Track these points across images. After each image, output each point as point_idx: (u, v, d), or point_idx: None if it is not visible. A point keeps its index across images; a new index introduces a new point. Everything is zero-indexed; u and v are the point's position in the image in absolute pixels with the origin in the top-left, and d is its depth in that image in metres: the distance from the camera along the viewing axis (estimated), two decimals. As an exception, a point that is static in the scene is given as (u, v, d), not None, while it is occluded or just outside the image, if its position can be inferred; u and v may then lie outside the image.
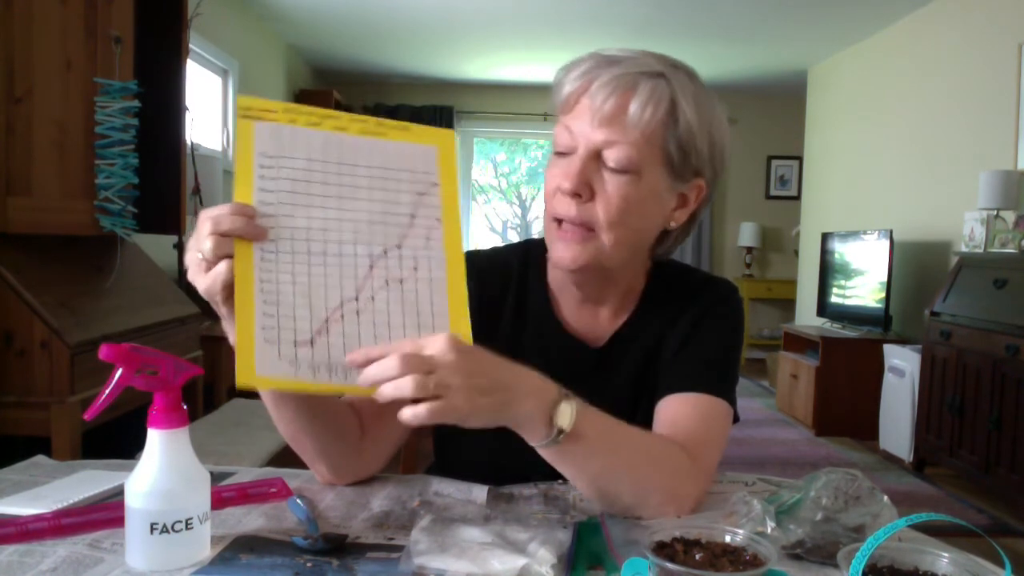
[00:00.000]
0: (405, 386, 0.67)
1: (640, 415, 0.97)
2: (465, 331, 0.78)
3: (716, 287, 1.04)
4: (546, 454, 0.78)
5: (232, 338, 0.74)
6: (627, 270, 0.99)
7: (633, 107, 0.86)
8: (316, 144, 0.77)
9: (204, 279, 0.72)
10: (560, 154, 0.91)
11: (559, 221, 0.91)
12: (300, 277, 0.75)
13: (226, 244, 0.71)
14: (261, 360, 0.72)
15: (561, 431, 0.75)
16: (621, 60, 0.89)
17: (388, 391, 0.68)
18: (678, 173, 0.92)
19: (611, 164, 0.88)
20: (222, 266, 0.71)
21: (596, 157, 0.88)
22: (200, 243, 0.72)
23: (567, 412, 0.76)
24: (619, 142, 0.87)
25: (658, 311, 1.01)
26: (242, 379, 0.72)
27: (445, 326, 0.77)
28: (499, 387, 0.73)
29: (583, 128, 0.88)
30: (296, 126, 0.77)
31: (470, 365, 0.70)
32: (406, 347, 0.70)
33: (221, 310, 0.74)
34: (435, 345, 0.70)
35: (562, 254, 0.91)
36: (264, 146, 0.75)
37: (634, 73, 0.87)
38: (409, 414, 0.68)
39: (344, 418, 0.90)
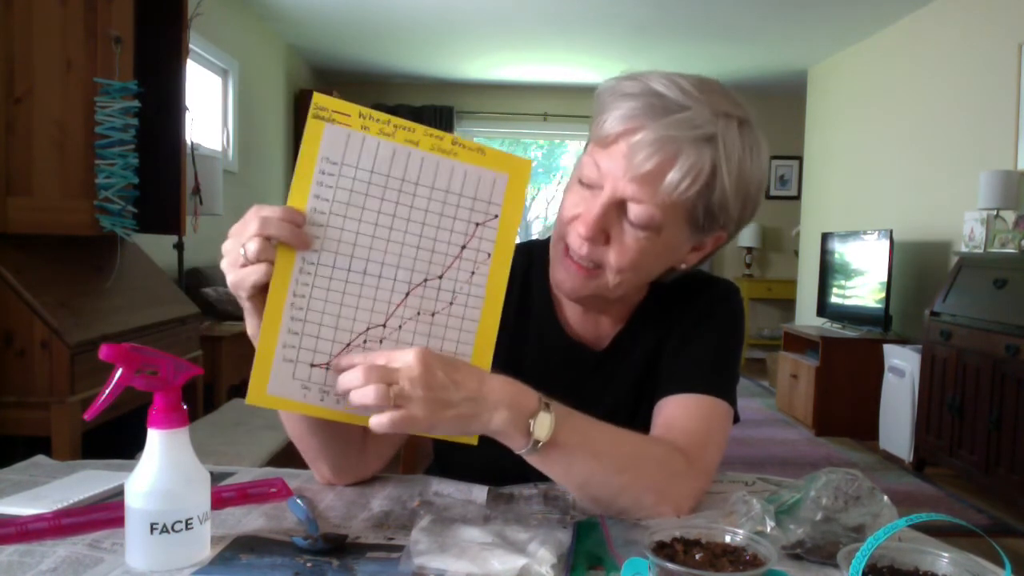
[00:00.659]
0: (368, 394, 0.70)
1: (641, 417, 0.97)
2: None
3: (716, 287, 1.04)
4: (530, 460, 0.79)
5: (252, 331, 0.75)
6: (629, 293, 0.99)
7: (671, 176, 0.82)
8: (383, 156, 0.74)
9: (236, 273, 0.73)
10: (584, 184, 0.88)
11: (569, 251, 0.90)
12: (333, 295, 0.73)
13: (269, 249, 0.71)
14: (276, 379, 0.72)
15: (538, 441, 0.76)
16: (674, 108, 0.83)
17: (354, 398, 0.71)
18: (700, 230, 0.90)
19: (632, 219, 0.85)
20: (259, 268, 0.71)
21: (619, 205, 0.85)
22: (244, 239, 0.71)
23: (545, 422, 0.76)
24: (647, 203, 0.84)
25: (660, 314, 1.01)
26: (253, 397, 0.72)
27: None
28: (466, 400, 0.73)
29: (615, 174, 0.84)
30: (368, 134, 0.74)
31: (434, 378, 0.71)
32: (377, 359, 0.72)
33: (244, 304, 0.75)
34: (403, 358, 0.71)
35: (563, 280, 0.91)
36: (329, 150, 0.73)
37: (682, 138, 0.82)
38: (374, 422, 0.71)
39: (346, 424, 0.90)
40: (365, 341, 0.74)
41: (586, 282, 0.89)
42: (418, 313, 0.75)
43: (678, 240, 0.90)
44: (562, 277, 0.91)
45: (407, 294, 0.74)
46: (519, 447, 0.77)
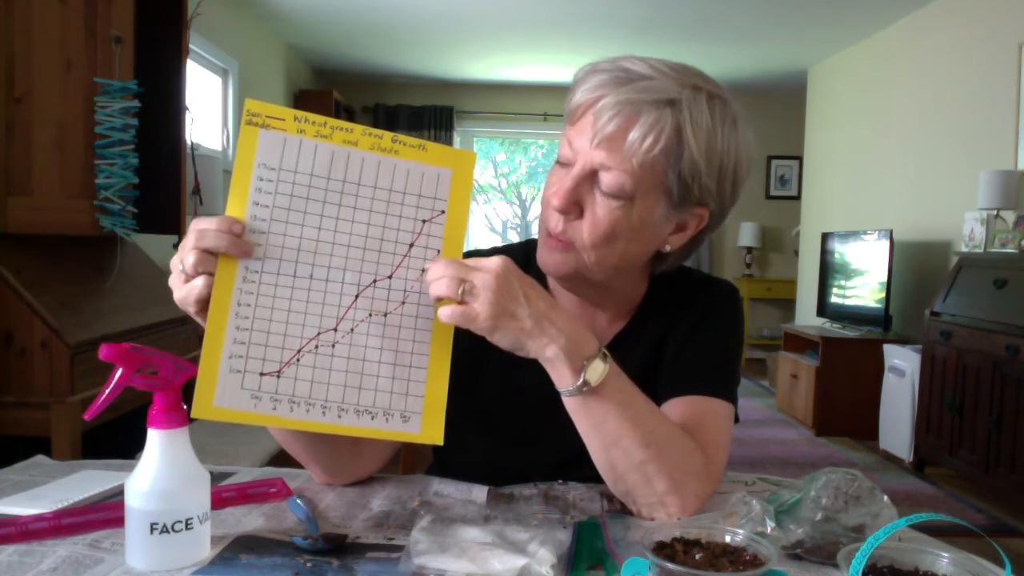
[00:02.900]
0: (441, 285, 0.73)
1: None
2: (442, 377, 0.75)
3: (716, 287, 1.04)
4: (568, 403, 0.81)
5: None
6: (622, 282, 0.98)
7: (632, 136, 0.83)
8: (322, 159, 0.73)
9: (179, 290, 0.73)
10: (561, 164, 0.90)
11: (549, 231, 0.91)
12: (280, 302, 0.72)
13: (208, 260, 0.71)
14: (222, 391, 0.71)
15: (586, 383, 0.78)
16: (638, 78, 0.85)
17: (432, 289, 0.74)
18: (677, 203, 0.89)
19: (603, 188, 0.86)
20: (199, 281, 0.72)
21: (591, 177, 0.86)
22: (183, 254, 0.72)
23: (598, 368, 0.78)
24: (614, 168, 0.84)
25: (658, 314, 1.01)
26: (199, 410, 0.70)
27: (423, 367, 0.75)
28: (531, 317, 0.76)
29: (583, 145, 0.86)
30: (304, 137, 0.73)
31: (508, 285, 0.74)
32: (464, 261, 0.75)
33: (196, 319, 0.75)
34: (488, 263, 0.74)
35: (546, 260, 0.92)
36: (266, 156, 0.72)
37: (642, 100, 0.84)
38: (443, 312, 0.73)
39: None
40: (317, 346, 0.73)
41: (565, 257, 0.89)
42: (370, 314, 0.74)
43: (654, 215, 0.88)
44: (544, 257, 0.92)
45: (357, 296, 0.74)
46: (565, 383, 0.79)
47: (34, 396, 2.03)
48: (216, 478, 0.93)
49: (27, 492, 0.85)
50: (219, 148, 4.59)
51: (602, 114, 0.84)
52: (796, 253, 6.74)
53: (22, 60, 2.15)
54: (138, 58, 2.31)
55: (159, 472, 0.68)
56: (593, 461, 0.84)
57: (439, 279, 0.73)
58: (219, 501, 0.83)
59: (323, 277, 0.73)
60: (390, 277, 0.75)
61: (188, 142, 2.87)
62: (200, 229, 0.71)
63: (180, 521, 0.67)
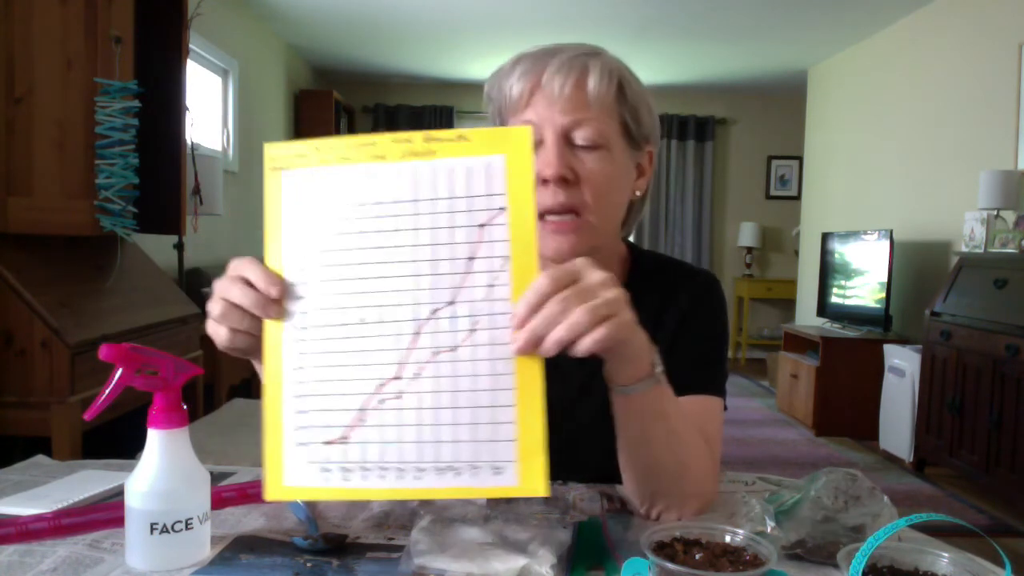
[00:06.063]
0: (579, 320, 0.62)
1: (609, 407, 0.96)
2: (536, 413, 0.62)
3: (698, 278, 1.03)
4: (628, 400, 0.75)
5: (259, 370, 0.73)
6: (607, 255, 0.98)
7: (591, 84, 0.87)
8: (351, 184, 0.64)
9: (209, 326, 0.71)
10: None
11: (549, 212, 0.89)
12: (334, 358, 0.63)
13: (233, 314, 0.68)
14: (290, 467, 0.64)
15: (661, 370, 0.74)
16: (556, 50, 0.90)
17: (563, 335, 0.61)
18: (634, 142, 0.94)
19: (582, 142, 0.88)
20: (223, 332, 0.69)
21: (566, 140, 0.88)
22: (214, 301, 0.69)
23: (659, 360, 0.75)
24: (585, 119, 0.87)
25: (641, 305, 1.00)
26: (271, 492, 0.65)
27: (509, 404, 0.62)
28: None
29: (547, 115, 0.87)
30: (327, 166, 0.65)
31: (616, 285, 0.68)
32: (561, 279, 0.63)
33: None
34: (593, 274, 0.65)
35: (558, 245, 0.89)
36: (293, 199, 0.65)
37: (580, 55, 0.89)
38: (589, 341, 0.62)
39: None
40: (381, 400, 0.63)
41: (579, 237, 0.89)
42: (435, 352, 0.63)
43: (624, 159, 0.93)
44: (553, 244, 0.89)
45: (417, 334, 0.63)
46: (642, 373, 0.73)
47: (34, 396, 2.03)
48: (216, 478, 0.93)
49: (27, 492, 0.85)
50: (219, 148, 4.59)
51: (553, 81, 0.87)
52: (796, 253, 6.74)
53: (22, 60, 2.14)
54: (138, 58, 2.31)
55: (159, 472, 0.68)
56: (628, 461, 0.81)
57: (568, 318, 0.61)
58: (219, 501, 0.83)
59: (376, 319, 0.63)
60: (452, 303, 0.63)
61: (188, 142, 2.87)
62: (236, 278, 0.67)
63: (180, 521, 0.67)
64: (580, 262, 0.65)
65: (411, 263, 0.63)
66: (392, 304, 0.63)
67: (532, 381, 0.62)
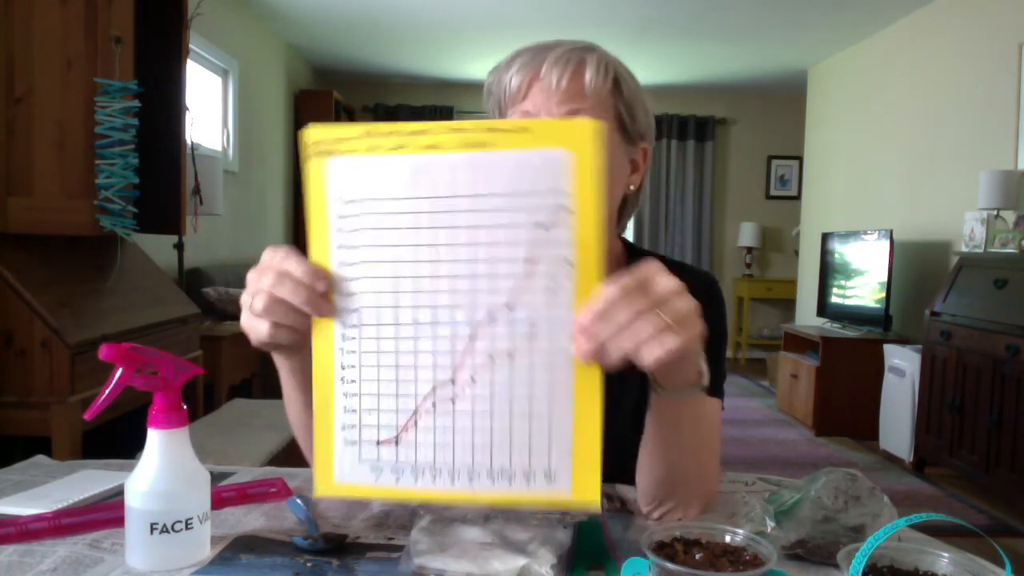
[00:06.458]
0: (649, 332, 0.58)
1: (624, 407, 0.96)
2: (593, 424, 0.60)
3: (698, 279, 1.03)
4: (671, 404, 0.73)
5: (287, 380, 0.73)
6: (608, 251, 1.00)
7: (588, 76, 0.89)
8: (403, 175, 0.60)
9: (245, 320, 0.67)
10: None
11: None
12: (386, 358, 0.62)
13: (278, 309, 0.64)
14: (341, 465, 0.63)
15: (707, 375, 0.72)
16: (554, 45, 0.92)
17: (629, 346, 0.58)
18: (629, 137, 0.95)
19: None
20: (264, 326, 0.65)
21: None
22: (253, 290, 0.65)
23: (705, 366, 0.73)
24: (581, 109, 0.89)
25: None
26: (321, 488, 0.64)
27: (566, 412, 0.60)
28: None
29: (544, 106, 0.89)
30: (378, 154, 0.61)
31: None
32: (632, 287, 0.58)
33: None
34: (665, 280, 0.60)
35: None
36: (342, 189, 0.61)
37: (577, 49, 0.91)
38: (659, 352, 0.58)
39: None
40: (434, 404, 0.61)
41: None
42: (491, 357, 0.60)
43: (618, 153, 0.94)
44: None
45: (472, 338, 0.60)
46: (693, 379, 0.70)
47: (34, 396, 2.03)
48: (216, 478, 0.93)
49: (27, 492, 0.85)
50: (219, 148, 4.60)
51: (551, 74, 0.88)
52: (796, 253, 6.74)
53: (22, 60, 2.14)
54: (138, 58, 2.31)
55: (159, 472, 0.68)
56: (652, 462, 0.80)
57: (629, 328, 0.58)
58: (219, 501, 0.83)
59: (429, 320, 0.61)
60: (510, 307, 0.60)
61: (188, 142, 2.87)
62: (281, 271, 0.63)
63: (180, 521, 0.67)
64: (652, 267, 0.60)
65: (468, 262, 0.60)
66: (447, 305, 0.60)
67: (591, 390, 0.60)
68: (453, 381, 0.61)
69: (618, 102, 0.93)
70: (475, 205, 0.60)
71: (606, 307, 0.58)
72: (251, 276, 0.66)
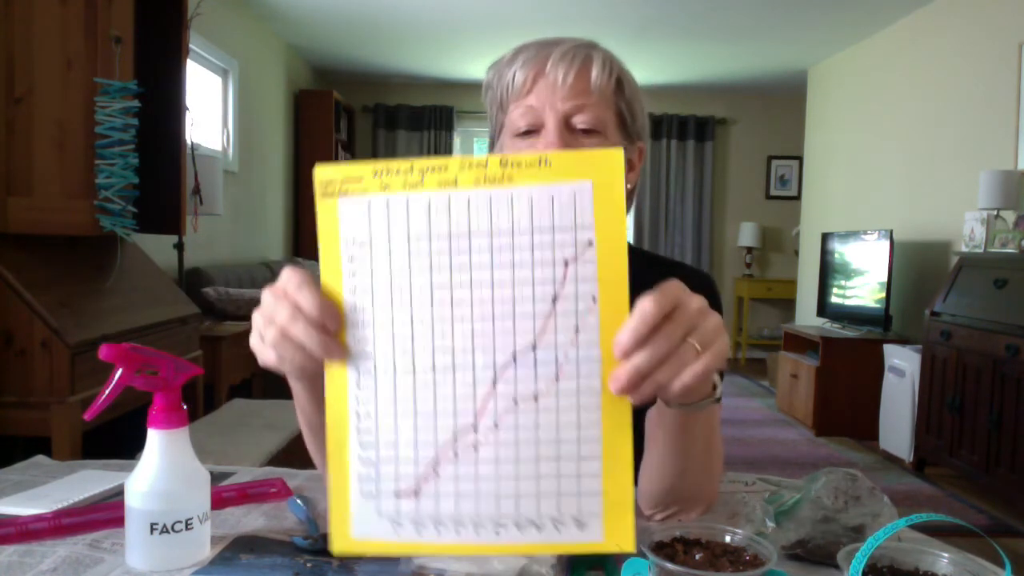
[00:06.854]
0: (683, 361, 0.56)
1: None
2: (623, 464, 0.57)
3: (695, 278, 1.03)
4: (688, 415, 0.71)
5: (299, 400, 0.72)
6: None
7: (594, 73, 0.90)
8: (417, 214, 0.58)
9: (254, 343, 0.65)
10: (524, 135, 0.92)
11: None
12: (403, 405, 0.59)
13: (286, 345, 0.61)
14: (358, 520, 0.60)
15: (721, 388, 0.71)
16: (557, 41, 0.93)
17: (664, 378, 0.56)
18: (628, 135, 0.96)
19: (582, 126, 0.90)
20: (270, 355, 0.63)
21: (566, 125, 0.90)
22: (265, 318, 0.62)
23: (719, 377, 0.72)
24: (586, 104, 0.89)
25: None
26: (338, 545, 0.60)
27: (595, 456, 0.58)
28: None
29: (548, 101, 0.90)
30: (390, 193, 0.59)
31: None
32: (665, 304, 0.56)
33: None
34: (691, 299, 0.59)
35: None
36: (352, 230, 0.59)
37: (581, 46, 0.92)
38: (689, 377, 0.57)
39: None
40: (456, 453, 0.58)
41: None
42: (515, 401, 0.58)
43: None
44: None
45: (494, 381, 0.58)
46: (707, 392, 0.68)
47: (34, 396, 2.03)
48: (216, 478, 0.93)
49: (27, 492, 0.85)
50: (219, 148, 4.60)
51: (556, 70, 0.89)
52: (796, 253, 6.74)
53: (22, 60, 2.15)
54: (138, 58, 2.31)
55: (159, 472, 0.68)
56: (660, 469, 0.79)
57: (671, 353, 0.56)
58: (219, 501, 0.83)
59: (448, 364, 0.58)
60: (534, 348, 0.57)
61: (188, 142, 2.87)
62: (295, 305, 0.60)
63: (180, 521, 0.67)
64: (676, 285, 0.59)
65: (488, 303, 0.58)
66: (466, 349, 0.58)
67: (620, 429, 0.58)
68: (475, 427, 0.58)
69: (620, 100, 0.93)
70: (494, 243, 0.58)
71: (646, 327, 0.56)
72: (266, 297, 0.64)
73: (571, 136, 0.90)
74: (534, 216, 0.57)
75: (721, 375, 0.96)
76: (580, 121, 0.90)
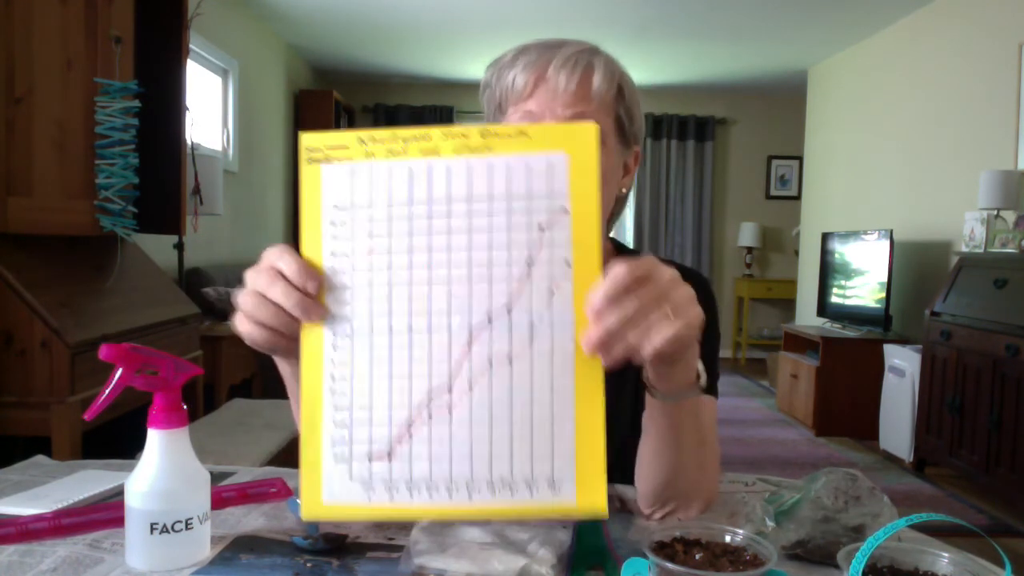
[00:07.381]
0: (652, 323, 0.58)
1: (622, 407, 0.96)
2: (596, 427, 0.59)
3: (689, 279, 1.04)
4: (673, 406, 0.73)
5: (290, 385, 0.72)
6: None
7: (596, 81, 0.89)
8: (399, 180, 0.60)
9: (241, 324, 0.65)
10: None
11: None
12: (379, 367, 0.60)
13: (265, 308, 0.62)
14: (330, 485, 0.60)
15: (704, 378, 0.73)
16: (559, 44, 0.92)
17: (634, 340, 0.58)
18: (625, 141, 0.96)
19: None
20: (253, 328, 0.64)
21: None
22: (246, 294, 0.63)
23: (703, 367, 0.73)
24: (587, 112, 0.89)
25: None
26: (308, 510, 0.61)
27: (568, 417, 0.59)
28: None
29: (548, 107, 0.89)
30: (374, 160, 0.60)
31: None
32: (638, 272, 0.58)
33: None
34: (662, 270, 0.60)
35: None
36: (335, 195, 0.61)
37: (584, 51, 0.91)
38: (659, 341, 0.58)
39: None
40: (430, 415, 0.59)
41: None
42: (489, 363, 0.59)
43: (615, 156, 0.94)
44: None
45: (470, 343, 0.59)
46: (690, 381, 0.71)
47: (34, 396, 2.03)
48: (216, 478, 0.93)
49: (27, 492, 0.85)
50: (219, 148, 4.60)
51: (558, 75, 0.88)
52: (796, 253, 6.74)
53: (22, 60, 2.14)
54: (138, 58, 2.31)
55: (159, 472, 0.68)
56: (653, 464, 0.80)
57: (640, 313, 0.58)
58: (219, 501, 0.83)
59: (425, 327, 0.59)
60: (509, 310, 0.59)
61: (188, 142, 2.87)
62: (274, 270, 0.62)
63: (180, 521, 0.67)
64: (650, 257, 0.62)
65: (465, 267, 0.60)
66: (442, 311, 0.59)
67: (593, 391, 0.59)
68: (450, 388, 0.59)
69: (619, 106, 0.93)
70: (472, 209, 0.60)
71: (616, 290, 0.58)
72: (248, 275, 0.65)
73: None
74: (511, 184, 0.59)
75: (714, 371, 0.97)
76: None
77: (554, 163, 0.59)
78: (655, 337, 0.58)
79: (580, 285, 0.59)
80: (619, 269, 0.58)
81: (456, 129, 0.60)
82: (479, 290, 0.59)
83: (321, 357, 0.60)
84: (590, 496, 0.59)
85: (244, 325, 0.65)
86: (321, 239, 0.61)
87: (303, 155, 0.62)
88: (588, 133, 0.59)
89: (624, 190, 1.00)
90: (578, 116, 0.89)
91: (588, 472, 0.59)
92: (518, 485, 0.59)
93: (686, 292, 0.61)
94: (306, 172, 0.61)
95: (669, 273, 0.61)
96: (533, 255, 0.59)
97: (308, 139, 0.61)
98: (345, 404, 0.60)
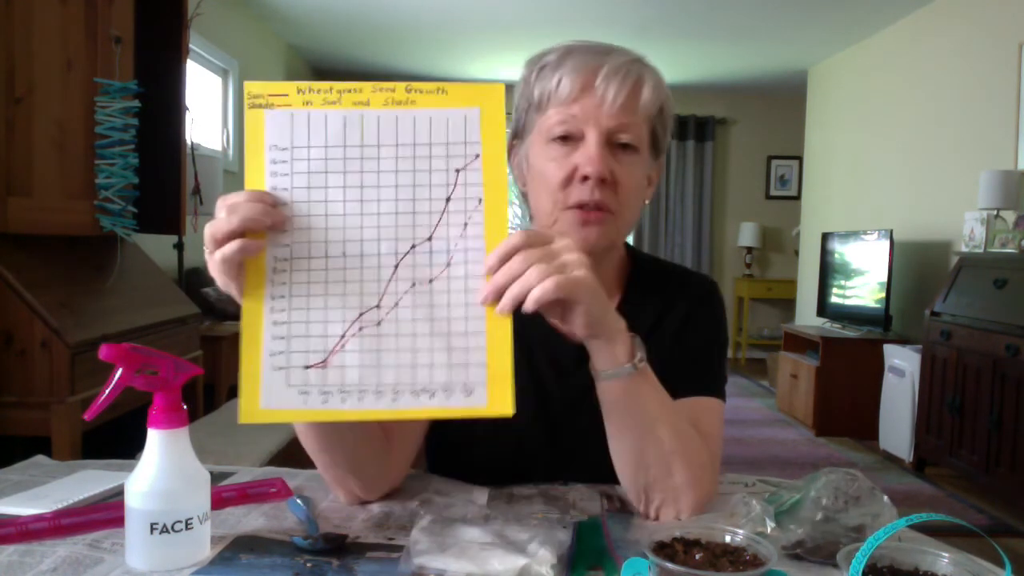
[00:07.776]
0: (532, 276, 0.67)
1: None
2: (504, 340, 0.68)
3: (698, 282, 1.04)
4: (611, 387, 0.78)
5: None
6: (615, 253, 1.01)
7: (645, 95, 0.90)
8: (334, 127, 0.69)
9: (212, 266, 0.68)
10: (561, 140, 0.90)
11: (581, 206, 0.89)
12: (316, 287, 0.68)
13: (235, 218, 0.67)
14: (268, 391, 0.67)
15: (641, 360, 0.77)
16: (607, 50, 0.91)
17: (517, 291, 0.67)
18: (655, 153, 0.97)
19: (625, 146, 0.90)
20: (233, 246, 0.66)
21: (608, 140, 0.90)
22: (213, 228, 0.67)
23: (643, 347, 0.78)
24: (631, 124, 0.89)
25: (641, 307, 1.00)
26: (246, 415, 0.67)
27: (480, 331, 0.69)
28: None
29: (594, 114, 0.88)
30: (312, 109, 0.69)
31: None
32: (533, 239, 0.69)
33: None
34: (559, 239, 0.71)
35: (587, 234, 0.90)
36: (275, 137, 0.69)
37: (632, 61, 0.91)
38: (538, 292, 0.67)
39: (372, 425, 0.86)
40: (361, 328, 0.68)
41: (605, 228, 0.91)
42: (413, 284, 0.68)
43: (646, 166, 0.95)
44: (582, 232, 0.90)
45: (396, 267, 0.68)
46: (621, 360, 0.77)
47: (34, 396, 2.03)
48: (216, 478, 0.93)
49: (27, 492, 0.85)
50: (219, 148, 4.60)
51: (608, 85, 0.88)
52: (796, 253, 6.74)
53: (22, 60, 2.14)
54: (138, 58, 2.31)
55: (159, 472, 0.68)
56: (617, 452, 0.83)
57: (524, 275, 0.67)
58: (219, 501, 0.83)
59: (357, 252, 0.68)
60: (430, 239, 0.69)
61: (188, 142, 2.87)
62: (231, 203, 0.67)
63: (180, 521, 0.67)
64: (553, 234, 0.71)
65: (392, 202, 0.69)
66: (373, 239, 0.68)
67: (500, 314, 0.68)
68: (379, 306, 0.68)
69: (657, 119, 0.94)
70: (399, 153, 0.69)
71: (506, 251, 0.68)
72: (208, 229, 0.68)
73: (610, 155, 0.89)
74: (432, 133, 0.69)
75: (721, 374, 0.97)
76: (622, 139, 0.89)
77: (468, 116, 0.70)
78: (536, 291, 0.67)
79: (490, 218, 0.69)
80: (513, 236, 0.69)
81: (385, 84, 0.70)
82: (404, 222, 0.69)
83: (263, 278, 0.68)
84: (498, 401, 0.68)
85: (209, 256, 0.68)
86: (264, 176, 0.69)
87: (247, 101, 0.69)
88: (496, 91, 0.70)
89: (647, 201, 1.00)
90: (622, 128, 0.89)
91: (497, 379, 0.68)
92: (437, 391, 0.68)
93: (574, 256, 0.70)
94: (249, 116, 0.69)
95: (563, 242, 0.70)
96: (451, 193, 0.69)
97: (251, 87, 0.69)
98: (283, 319, 0.68)
